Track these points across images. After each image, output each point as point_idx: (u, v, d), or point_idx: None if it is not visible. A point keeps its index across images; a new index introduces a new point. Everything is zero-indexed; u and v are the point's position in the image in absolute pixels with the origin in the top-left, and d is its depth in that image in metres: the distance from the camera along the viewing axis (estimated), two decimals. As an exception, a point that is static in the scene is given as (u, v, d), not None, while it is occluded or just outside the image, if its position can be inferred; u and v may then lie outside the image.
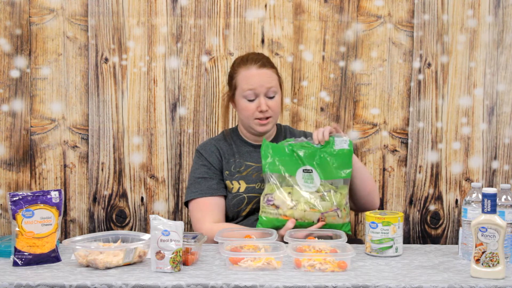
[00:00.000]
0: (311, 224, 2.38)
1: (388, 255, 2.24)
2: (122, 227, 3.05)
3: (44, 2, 2.97)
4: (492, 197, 2.01)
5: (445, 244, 3.07)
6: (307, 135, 2.67)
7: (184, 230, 2.20)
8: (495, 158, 3.05)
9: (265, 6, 3.00)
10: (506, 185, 2.20)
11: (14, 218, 2.11)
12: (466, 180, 3.06)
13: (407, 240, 3.04)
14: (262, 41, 3.01)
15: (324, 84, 3.03)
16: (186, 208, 2.69)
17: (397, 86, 3.03)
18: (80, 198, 3.04)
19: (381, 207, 3.04)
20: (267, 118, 2.57)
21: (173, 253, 2.01)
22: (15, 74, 3.00)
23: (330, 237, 2.32)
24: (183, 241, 2.07)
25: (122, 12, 2.98)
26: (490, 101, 3.03)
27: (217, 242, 2.26)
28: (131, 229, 3.04)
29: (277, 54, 3.00)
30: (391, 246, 2.24)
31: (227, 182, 2.60)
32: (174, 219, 2.93)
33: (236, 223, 2.60)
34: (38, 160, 3.02)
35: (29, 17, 2.98)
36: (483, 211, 2.02)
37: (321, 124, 3.03)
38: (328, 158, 2.43)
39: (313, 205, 2.37)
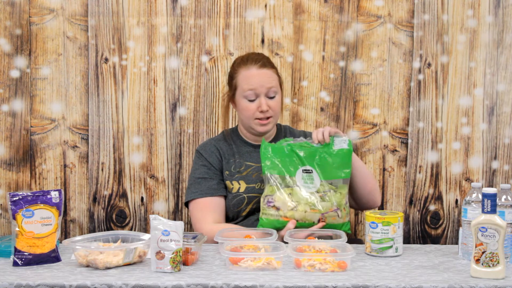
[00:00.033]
0: (311, 224, 2.38)
1: (388, 255, 2.24)
2: (122, 227, 3.05)
3: (44, 2, 2.97)
4: (492, 197, 2.01)
5: (445, 244, 3.07)
6: (307, 135, 2.67)
7: (184, 230, 2.20)
8: (495, 158, 3.05)
9: (265, 6, 3.00)
10: (506, 185, 2.20)
11: (14, 218, 2.11)
12: (466, 180, 3.06)
13: (407, 240, 3.04)
14: (262, 41, 3.01)
15: (324, 84, 3.03)
16: (186, 208, 2.69)
17: (397, 86, 3.03)
18: (80, 198, 3.04)
19: (381, 207, 3.04)
20: (267, 118, 2.57)
21: (173, 253, 2.01)
22: (15, 74, 3.00)
23: (330, 237, 2.32)
24: (183, 241, 2.07)
25: (122, 12, 2.98)
26: (490, 101, 3.03)
27: (217, 242, 2.26)
28: (131, 229, 3.04)
29: (277, 54, 3.00)
30: (391, 246, 2.24)
31: (227, 182, 2.60)
32: (174, 219, 2.93)
33: (236, 223, 2.60)
34: (38, 160, 3.02)
35: (29, 17, 2.98)
36: (483, 211, 2.02)
37: (321, 124, 3.03)
38: (327, 158, 2.43)
39: (314, 205, 2.37)
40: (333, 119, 3.03)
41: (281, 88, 2.63)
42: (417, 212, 3.07)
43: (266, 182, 2.45)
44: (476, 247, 2.02)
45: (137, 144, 3.02)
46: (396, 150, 3.05)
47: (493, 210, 2.01)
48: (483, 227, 2.01)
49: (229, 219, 2.61)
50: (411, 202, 3.07)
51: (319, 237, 2.32)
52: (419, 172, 3.05)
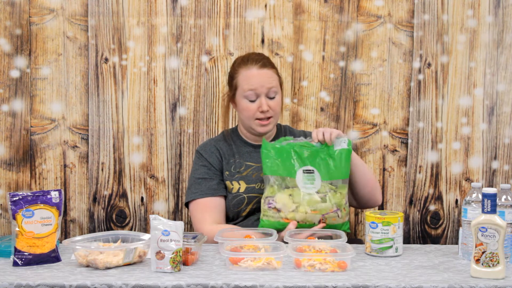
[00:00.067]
0: (312, 225, 2.38)
1: (388, 255, 2.24)
2: (122, 227, 3.05)
3: (44, 2, 2.97)
4: (492, 197, 2.01)
5: (445, 244, 3.07)
6: (306, 134, 2.67)
7: (184, 230, 2.20)
8: (495, 158, 3.05)
9: (265, 6, 3.00)
10: (506, 185, 2.20)
11: (14, 218, 2.11)
12: (466, 180, 3.06)
13: (407, 240, 3.04)
14: (262, 41, 3.01)
15: (324, 84, 3.03)
16: (186, 209, 2.69)
17: (397, 86, 3.03)
18: (80, 198, 3.04)
19: (381, 207, 3.04)
20: (268, 118, 2.57)
21: (173, 253, 2.01)
22: (15, 74, 3.00)
23: (330, 237, 2.32)
24: (183, 241, 2.07)
25: (122, 12, 2.98)
26: (490, 101, 3.03)
27: (217, 243, 2.26)
28: (131, 229, 3.04)
29: (277, 54, 3.00)
30: (391, 246, 2.24)
31: (227, 182, 2.60)
32: (174, 219, 2.93)
33: (236, 223, 2.60)
34: (38, 160, 3.02)
35: (29, 17, 2.98)
36: (483, 211, 2.02)
37: (321, 124, 3.03)
38: (327, 158, 2.43)
39: (314, 207, 2.37)
40: (333, 119, 3.03)
41: (281, 88, 2.63)
42: (417, 212, 3.07)
43: (266, 183, 2.44)
44: (476, 247, 2.02)
45: (137, 144, 3.02)
46: (396, 150, 3.05)
47: (493, 210, 2.01)
48: (483, 227, 2.01)
49: (229, 219, 2.61)
50: (411, 202, 3.07)
51: (319, 237, 2.32)
52: (419, 172, 3.05)
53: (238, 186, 2.58)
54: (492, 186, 3.04)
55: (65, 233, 3.04)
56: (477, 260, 2.02)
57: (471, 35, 3.01)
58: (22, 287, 1.92)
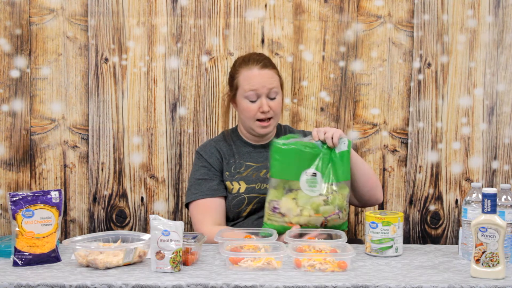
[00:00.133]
0: (314, 228, 2.38)
1: (388, 255, 2.24)
2: (122, 227, 3.05)
3: (44, 2, 2.97)
4: (492, 197, 2.01)
5: (445, 244, 3.07)
6: (306, 134, 2.66)
7: (184, 230, 2.20)
8: (495, 158, 3.05)
9: (265, 6, 3.00)
10: (506, 185, 2.20)
11: (14, 218, 2.11)
12: (466, 180, 3.06)
13: (407, 240, 3.04)
14: (262, 41, 3.01)
15: (324, 84, 3.03)
16: (187, 209, 2.69)
17: (397, 86, 3.03)
18: (80, 198, 3.04)
19: (381, 207, 3.04)
20: (269, 119, 2.57)
21: (173, 253, 2.01)
22: (15, 74, 3.00)
23: (330, 237, 2.32)
24: (183, 241, 2.07)
25: (122, 12, 2.98)
26: (490, 101, 3.03)
27: (217, 243, 2.26)
28: (131, 229, 3.04)
29: (277, 54, 3.00)
30: (391, 246, 2.24)
31: (227, 183, 2.60)
32: (174, 219, 2.93)
33: (237, 223, 2.60)
34: (38, 160, 3.02)
35: (29, 17, 2.98)
36: (483, 211, 2.02)
37: (321, 124, 3.03)
38: (330, 161, 2.42)
39: (317, 210, 2.37)
40: (333, 119, 3.03)
41: (282, 89, 2.63)
42: (417, 212, 3.07)
43: (271, 186, 2.43)
44: (476, 247, 2.02)
45: (137, 144, 3.02)
46: (396, 150, 3.05)
47: (493, 210, 2.01)
48: (483, 227, 2.01)
49: (229, 219, 2.61)
50: (411, 202, 3.07)
51: (317, 236, 2.32)
52: (419, 172, 3.05)
53: (238, 187, 2.58)
54: (492, 186, 3.04)
55: (65, 233, 3.04)
56: (477, 260, 2.02)
57: (471, 35, 3.01)
58: (22, 287, 1.92)
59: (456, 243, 2.85)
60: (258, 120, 2.57)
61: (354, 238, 3.05)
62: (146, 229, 3.04)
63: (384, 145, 3.05)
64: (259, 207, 2.57)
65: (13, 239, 2.12)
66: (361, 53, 3.02)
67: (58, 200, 2.17)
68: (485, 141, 3.05)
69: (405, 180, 3.06)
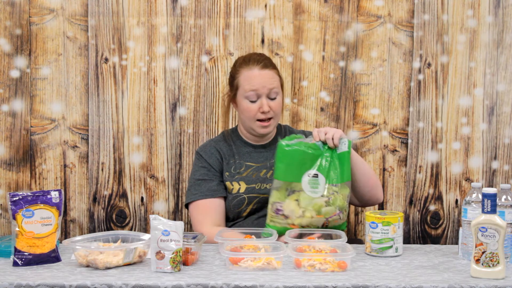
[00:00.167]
0: (315, 228, 2.39)
1: (388, 255, 2.24)
2: (122, 227, 3.05)
3: (44, 2, 2.97)
4: (492, 197, 2.01)
5: (445, 244, 3.07)
6: (306, 134, 2.67)
7: (184, 230, 2.20)
8: (495, 158, 3.05)
9: (265, 6, 3.00)
10: (506, 185, 2.20)
11: (14, 218, 2.11)
12: (466, 180, 3.06)
13: (407, 240, 3.04)
14: (262, 41, 3.01)
15: (324, 84, 3.03)
16: (187, 209, 2.69)
17: (397, 86, 3.03)
18: (80, 198, 3.04)
19: (381, 207, 3.04)
20: (269, 119, 2.57)
21: (173, 253, 2.01)
22: (15, 74, 3.00)
23: (330, 237, 2.32)
24: (183, 241, 2.07)
25: (122, 12, 2.98)
26: (490, 101, 3.03)
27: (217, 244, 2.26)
28: (131, 229, 3.04)
29: (277, 54, 3.00)
30: (391, 246, 2.24)
31: (227, 183, 2.60)
32: (174, 219, 2.93)
33: (237, 223, 2.60)
34: (38, 160, 3.02)
35: (29, 17, 2.98)
36: (483, 211, 2.02)
37: (321, 124, 3.03)
38: (331, 161, 2.42)
39: (319, 211, 2.37)
40: (333, 119, 3.03)
41: (282, 89, 2.63)
42: (417, 212, 3.07)
43: (274, 187, 2.42)
44: (476, 247, 2.02)
45: (137, 144, 3.02)
46: (396, 150, 3.05)
47: (493, 210, 2.01)
48: (483, 227, 2.01)
49: (229, 219, 2.61)
50: (411, 202, 3.07)
51: (319, 237, 2.32)
52: (419, 172, 3.05)
53: (238, 187, 2.58)
54: (492, 186, 3.04)
55: (65, 233, 3.04)
56: (477, 260, 2.02)
57: (471, 35, 3.01)
58: (22, 287, 1.92)
59: (456, 243, 2.85)
60: (258, 120, 2.57)
61: (354, 238, 3.05)
62: (146, 229, 3.04)
63: (384, 145, 3.05)
64: (259, 207, 2.57)
65: (13, 239, 2.12)
66: (361, 53, 3.02)
67: (58, 200, 2.17)
68: (485, 141, 3.05)
69: (405, 180, 3.06)
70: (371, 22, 3.01)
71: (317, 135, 2.43)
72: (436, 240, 3.08)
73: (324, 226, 2.39)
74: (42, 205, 2.14)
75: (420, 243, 3.08)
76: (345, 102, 3.03)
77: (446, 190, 3.06)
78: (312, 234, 2.34)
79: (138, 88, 3.01)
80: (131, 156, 3.03)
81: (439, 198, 3.07)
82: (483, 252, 2.01)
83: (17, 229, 2.11)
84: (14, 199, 2.12)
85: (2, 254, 2.21)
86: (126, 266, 2.09)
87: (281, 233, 2.36)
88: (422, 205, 3.07)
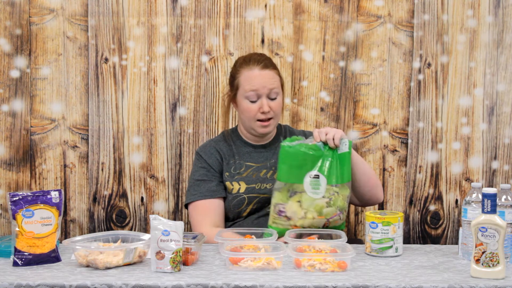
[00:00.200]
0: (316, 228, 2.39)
1: (388, 255, 2.24)
2: (122, 227, 3.05)
3: (44, 2, 2.97)
4: (492, 197, 2.01)
5: (445, 244, 3.07)
6: (306, 134, 2.67)
7: (184, 230, 2.20)
8: (495, 158, 3.05)
9: (265, 6, 3.00)
10: (506, 185, 2.20)
11: (14, 218, 2.11)
12: (466, 180, 3.06)
13: (407, 240, 3.04)
14: (262, 41, 3.01)
15: (324, 84, 3.03)
16: (186, 210, 2.69)
17: (397, 86, 3.03)
18: (80, 198, 3.04)
19: (381, 207, 3.04)
20: (269, 119, 2.57)
21: (173, 253, 2.01)
22: (15, 74, 3.00)
23: (330, 237, 2.32)
24: (183, 241, 2.07)
25: (122, 12, 2.98)
26: (490, 101, 3.03)
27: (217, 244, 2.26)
28: (131, 229, 3.04)
29: (277, 54, 3.00)
30: (391, 246, 2.24)
31: (227, 183, 2.59)
32: (174, 219, 2.93)
33: (237, 223, 2.60)
34: (38, 160, 3.02)
35: (29, 17, 2.98)
36: (483, 211, 2.02)
37: (321, 124, 3.03)
38: (332, 162, 2.42)
39: (320, 212, 2.37)
40: (333, 119, 3.03)
41: (283, 89, 2.63)
42: (417, 212, 3.07)
43: (277, 188, 2.42)
44: (476, 247, 2.02)
45: (137, 144, 3.02)
46: (396, 150, 3.05)
47: (493, 210, 2.01)
48: (483, 227, 2.01)
49: (229, 219, 2.61)
50: (411, 202, 3.07)
51: (319, 237, 2.32)
52: (419, 172, 3.05)
53: (238, 187, 2.58)
54: (492, 186, 3.04)
55: (65, 233, 3.04)
56: (477, 260, 2.02)
57: (471, 35, 3.01)
58: (22, 287, 1.92)
59: (456, 243, 2.85)
60: (259, 120, 2.57)
61: (354, 238, 3.05)
62: (146, 229, 3.04)
63: (384, 145, 3.05)
64: (259, 207, 2.57)
65: (13, 239, 2.12)
66: (361, 53, 3.02)
67: (58, 200, 2.17)
68: (485, 141, 3.05)
69: (405, 180, 3.06)
70: (371, 22, 3.01)
71: (318, 136, 2.43)
72: (436, 240, 3.08)
73: (325, 226, 2.40)
74: (42, 205, 2.14)
75: (420, 243, 3.07)
76: (345, 102, 3.03)
77: (446, 190, 3.06)
78: (312, 234, 2.34)
79: (138, 88, 3.01)
80: (131, 156, 3.03)
81: (439, 198, 3.07)
82: (483, 252, 2.01)
83: (17, 229, 2.11)
84: (14, 199, 2.12)
85: (2, 254, 2.21)
86: (126, 266, 2.09)
87: (283, 235, 2.36)
88: (422, 205, 3.07)
